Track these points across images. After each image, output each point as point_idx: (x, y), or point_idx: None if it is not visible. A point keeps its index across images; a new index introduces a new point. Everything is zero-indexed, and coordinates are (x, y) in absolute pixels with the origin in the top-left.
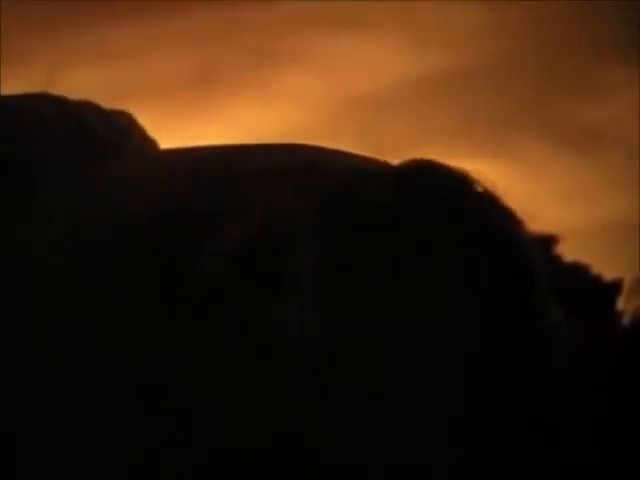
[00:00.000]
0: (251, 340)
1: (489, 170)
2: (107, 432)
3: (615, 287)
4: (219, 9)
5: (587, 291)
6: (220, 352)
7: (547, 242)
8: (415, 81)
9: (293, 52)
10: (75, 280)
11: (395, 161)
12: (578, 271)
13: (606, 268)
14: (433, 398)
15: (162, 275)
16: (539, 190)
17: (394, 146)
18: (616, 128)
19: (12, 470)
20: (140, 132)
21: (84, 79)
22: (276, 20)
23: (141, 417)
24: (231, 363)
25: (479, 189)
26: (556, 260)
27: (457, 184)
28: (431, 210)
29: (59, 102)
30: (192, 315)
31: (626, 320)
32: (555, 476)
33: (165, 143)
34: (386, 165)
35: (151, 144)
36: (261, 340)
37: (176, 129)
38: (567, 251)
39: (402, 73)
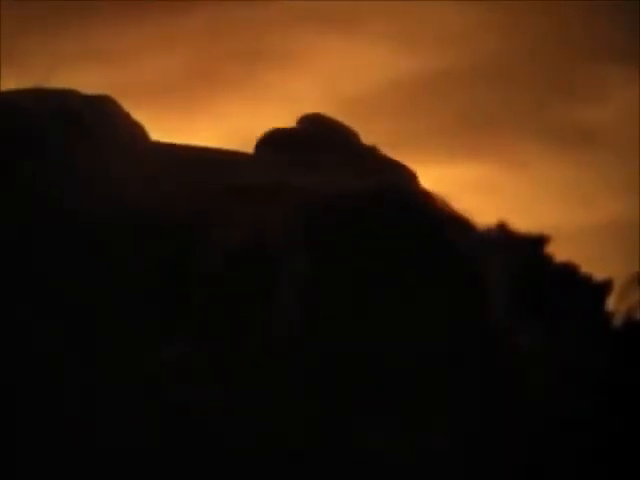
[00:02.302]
0: (243, 339)
1: (485, 170)
2: (105, 437)
3: (604, 288)
4: (212, 9)
5: (576, 291)
6: (220, 351)
7: (538, 242)
8: (408, 81)
9: (286, 51)
10: (75, 280)
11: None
12: (568, 271)
13: (603, 267)
14: (417, 396)
15: (162, 275)
16: (535, 190)
17: (388, 145)
18: (614, 128)
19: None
20: (125, 116)
21: (80, 79)
22: (269, 20)
23: (140, 417)
24: (228, 362)
25: (447, 211)
26: (546, 260)
27: (432, 211)
28: (404, 229)
29: (49, 95)
30: (191, 314)
31: (617, 321)
32: (553, 476)
33: (160, 139)
34: (370, 180)
35: (137, 128)
36: (253, 340)
37: (171, 126)
38: (564, 250)
39: (395, 73)
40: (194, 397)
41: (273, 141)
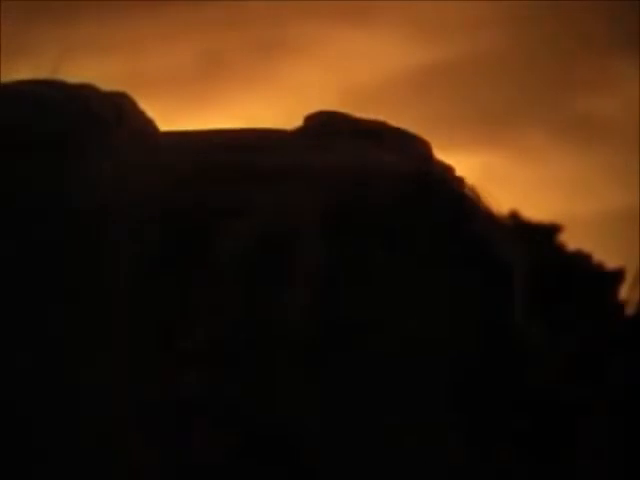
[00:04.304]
0: (251, 326)
1: (491, 160)
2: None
3: (617, 276)
4: (225, 1)
5: (590, 280)
6: (231, 340)
7: (550, 231)
8: (417, 72)
9: (296, 44)
10: (75, 279)
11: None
12: (581, 260)
13: (606, 257)
14: (421, 390)
15: (173, 263)
16: (541, 180)
17: None
18: (617, 119)
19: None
20: (139, 114)
21: (89, 70)
22: (280, 12)
23: (140, 418)
24: (239, 350)
25: (476, 204)
26: (559, 249)
27: (456, 201)
28: (428, 222)
29: (62, 86)
30: (202, 306)
31: (630, 309)
32: (551, 475)
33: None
34: (391, 165)
35: (151, 125)
36: (263, 327)
37: (181, 119)
38: (568, 240)
39: (404, 64)
40: (198, 389)
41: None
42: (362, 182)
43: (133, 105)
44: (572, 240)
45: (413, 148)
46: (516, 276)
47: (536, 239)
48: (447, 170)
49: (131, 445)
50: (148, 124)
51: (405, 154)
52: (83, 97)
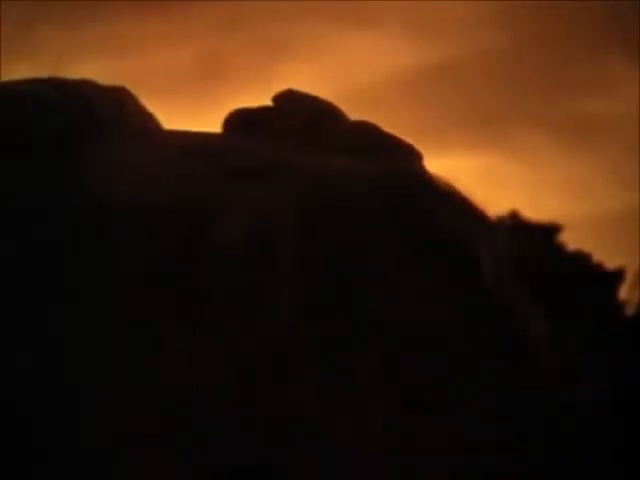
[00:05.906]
0: (250, 327)
1: (491, 161)
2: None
3: (617, 276)
4: (224, 1)
5: (589, 279)
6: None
7: (549, 231)
8: (415, 73)
9: (297, 44)
10: (75, 279)
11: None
12: (580, 259)
13: (606, 258)
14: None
15: (167, 267)
16: (540, 181)
17: (399, 133)
18: (617, 120)
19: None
20: (141, 110)
21: (89, 71)
22: (281, 12)
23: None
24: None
25: (460, 208)
26: (558, 249)
27: (440, 202)
28: (410, 223)
29: (62, 84)
30: (202, 307)
31: (629, 310)
32: (548, 476)
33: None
34: (372, 168)
35: (151, 119)
36: (260, 328)
37: (181, 119)
38: (567, 241)
39: (404, 65)
40: (195, 395)
41: (245, 122)
42: (345, 182)
43: (134, 101)
44: (572, 241)
45: (397, 155)
46: (486, 268)
47: (535, 239)
48: (430, 173)
49: (131, 446)
50: (149, 120)
51: (388, 161)
52: (83, 96)
